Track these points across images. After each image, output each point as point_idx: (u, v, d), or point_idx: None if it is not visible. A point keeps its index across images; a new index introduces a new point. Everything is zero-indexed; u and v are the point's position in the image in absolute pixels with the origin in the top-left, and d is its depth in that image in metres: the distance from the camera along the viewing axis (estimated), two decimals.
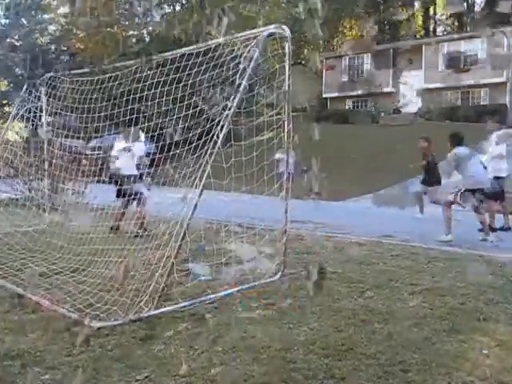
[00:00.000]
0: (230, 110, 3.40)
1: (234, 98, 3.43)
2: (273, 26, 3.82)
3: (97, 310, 3.12)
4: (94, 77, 5.58)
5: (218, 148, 3.33)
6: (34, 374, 2.34)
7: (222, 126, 3.36)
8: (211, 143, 3.43)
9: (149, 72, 4.87)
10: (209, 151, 3.39)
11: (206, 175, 3.34)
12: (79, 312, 3.11)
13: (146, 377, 2.31)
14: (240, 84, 3.47)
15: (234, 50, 4.12)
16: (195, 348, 2.64)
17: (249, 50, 3.64)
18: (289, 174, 4.39)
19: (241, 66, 3.60)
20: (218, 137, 3.36)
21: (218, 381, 2.27)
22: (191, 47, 4.29)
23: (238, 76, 3.57)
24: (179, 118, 4.60)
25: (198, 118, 4.32)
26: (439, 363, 2.46)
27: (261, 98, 4.45)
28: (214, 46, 4.22)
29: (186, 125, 4.47)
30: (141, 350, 2.61)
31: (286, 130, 4.05)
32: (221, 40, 4.10)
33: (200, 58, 4.38)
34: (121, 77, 4.91)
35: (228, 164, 3.77)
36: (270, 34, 3.69)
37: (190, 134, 4.31)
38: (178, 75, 4.68)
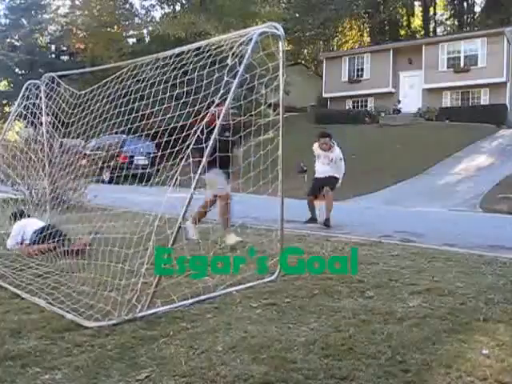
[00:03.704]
0: (218, 107, 3.41)
1: (226, 97, 3.44)
2: (266, 25, 3.83)
3: (91, 310, 3.12)
4: (93, 77, 5.59)
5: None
6: (34, 374, 2.34)
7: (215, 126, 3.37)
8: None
9: (146, 71, 4.88)
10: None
11: (198, 174, 3.36)
12: (75, 312, 3.12)
13: (146, 377, 2.31)
14: (232, 83, 3.48)
15: (227, 49, 4.13)
16: (195, 348, 2.65)
17: (241, 49, 3.65)
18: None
19: (228, 62, 3.61)
20: (202, 133, 3.38)
21: (217, 381, 2.27)
22: (184, 47, 4.30)
23: (230, 75, 3.58)
24: (173, 116, 4.62)
25: (195, 117, 4.32)
26: (439, 363, 2.46)
27: (256, 97, 4.46)
28: (206, 44, 4.23)
29: (180, 124, 4.48)
30: (141, 350, 2.61)
31: (280, 129, 4.05)
32: (213, 40, 4.11)
33: (194, 58, 4.38)
34: (118, 77, 4.91)
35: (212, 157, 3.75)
36: (263, 33, 3.70)
37: (183, 134, 4.32)
38: (174, 74, 4.68)
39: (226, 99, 3.49)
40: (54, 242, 4.80)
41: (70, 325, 2.96)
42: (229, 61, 3.61)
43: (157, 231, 3.40)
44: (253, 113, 4.28)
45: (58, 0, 36.75)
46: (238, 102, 3.98)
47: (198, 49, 4.26)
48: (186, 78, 4.44)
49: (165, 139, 4.45)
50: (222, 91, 3.56)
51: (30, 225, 5.25)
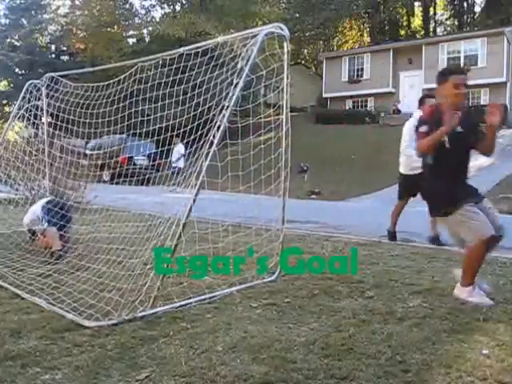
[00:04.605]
0: (227, 109, 3.40)
1: (231, 97, 3.44)
2: (271, 25, 3.83)
3: (91, 310, 3.12)
4: (93, 77, 5.58)
5: (216, 147, 3.33)
6: (34, 374, 2.34)
7: (219, 126, 3.37)
8: (208, 143, 3.44)
9: (147, 72, 4.88)
10: (205, 151, 3.40)
11: (202, 175, 3.35)
12: (75, 312, 3.12)
13: (146, 377, 2.32)
14: (237, 83, 3.48)
15: (232, 50, 4.13)
16: (195, 348, 2.65)
17: (247, 50, 3.64)
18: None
19: (238, 66, 3.61)
20: (214, 137, 3.37)
21: (217, 381, 2.28)
22: (190, 47, 4.29)
23: (235, 75, 3.58)
24: (175, 118, 4.61)
25: (195, 117, 4.32)
26: (439, 363, 2.46)
27: (258, 98, 4.46)
28: (211, 45, 4.23)
29: (183, 124, 4.49)
30: (141, 350, 2.61)
31: (284, 130, 4.05)
32: (219, 40, 4.11)
33: (199, 58, 4.38)
34: (120, 79, 4.91)
35: (223, 162, 3.75)
36: (269, 33, 3.70)
37: (181, 129, 4.32)
38: (176, 75, 4.68)
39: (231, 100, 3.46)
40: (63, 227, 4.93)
41: (70, 325, 2.96)
42: (238, 64, 3.61)
43: (169, 234, 3.38)
44: (262, 115, 4.28)
45: (58, 0, 36.72)
46: (243, 103, 3.96)
47: (205, 51, 4.25)
48: (191, 79, 4.44)
49: (189, 140, 4.40)
50: (230, 94, 3.55)
51: (37, 205, 5.33)
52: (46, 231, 5.00)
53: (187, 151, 4.22)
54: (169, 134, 4.73)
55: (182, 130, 4.55)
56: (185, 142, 4.32)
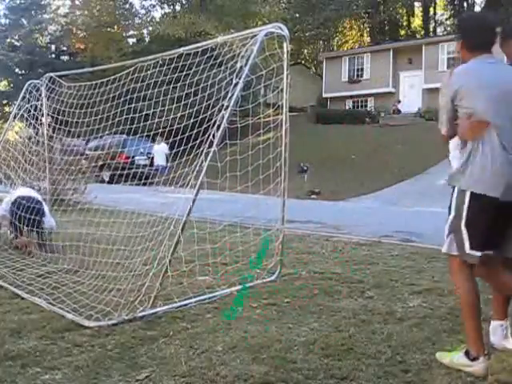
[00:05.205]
0: (226, 109, 3.40)
1: (231, 97, 3.44)
2: (271, 25, 3.83)
3: (91, 310, 3.12)
4: (93, 77, 5.58)
5: (216, 147, 3.33)
6: (34, 374, 2.34)
7: (219, 126, 3.37)
8: (207, 143, 3.44)
9: (147, 72, 4.88)
10: (205, 151, 3.40)
11: (202, 175, 3.34)
12: (75, 312, 3.12)
13: (146, 377, 2.32)
14: (237, 83, 3.48)
15: (232, 50, 4.13)
16: (195, 348, 2.65)
17: (246, 50, 3.64)
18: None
19: (238, 66, 3.61)
20: (213, 137, 3.37)
21: (217, 381, 2.28)
22: (189, 47, 4.29)
23: (234, 75, 3.58)
24: (175, 118, 4.61)
25: (196, 117, 4.32)
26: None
27: (257, 98, 4.46)
28: (211, 45, 4.23)
29: (183, 124, 4.48)
30: (141, 350, 2.61)
31: (283, 130, 4.05)
32: (219, 40, 4.11)
33: (198, 58, 4.38)
34: (119, 78, 4.91)
35: (223, 162, 3.75)
36: (268, 33, 3.70)
37: (186, 134, 4.31)
38: (176, 75, 4.68)
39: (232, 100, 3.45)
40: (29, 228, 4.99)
41: (69, 325, 2.96)
42: (238, 64, 3.61)
43: (169, 235, 3.38)
44: (262, 115, 4.28)
45: (58, 0, 36.69)
46: (243, 103, 3.95)
47: (205, 51, 4.25)
48: (191, 79, 4.44)
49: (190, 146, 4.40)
50: (230, 94, 3.55)
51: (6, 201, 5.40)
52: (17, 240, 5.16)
53: (193, 150, 4.20)
54: (169, 132, 4.73)
55: (182, 129, 4.54)
56: (178, 139, 4.31)
